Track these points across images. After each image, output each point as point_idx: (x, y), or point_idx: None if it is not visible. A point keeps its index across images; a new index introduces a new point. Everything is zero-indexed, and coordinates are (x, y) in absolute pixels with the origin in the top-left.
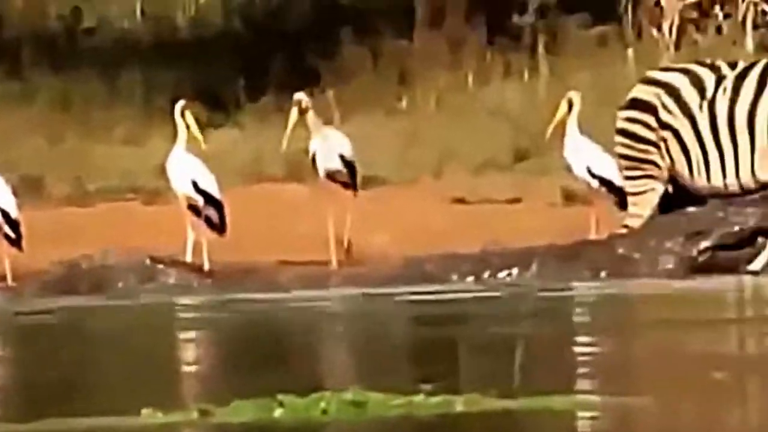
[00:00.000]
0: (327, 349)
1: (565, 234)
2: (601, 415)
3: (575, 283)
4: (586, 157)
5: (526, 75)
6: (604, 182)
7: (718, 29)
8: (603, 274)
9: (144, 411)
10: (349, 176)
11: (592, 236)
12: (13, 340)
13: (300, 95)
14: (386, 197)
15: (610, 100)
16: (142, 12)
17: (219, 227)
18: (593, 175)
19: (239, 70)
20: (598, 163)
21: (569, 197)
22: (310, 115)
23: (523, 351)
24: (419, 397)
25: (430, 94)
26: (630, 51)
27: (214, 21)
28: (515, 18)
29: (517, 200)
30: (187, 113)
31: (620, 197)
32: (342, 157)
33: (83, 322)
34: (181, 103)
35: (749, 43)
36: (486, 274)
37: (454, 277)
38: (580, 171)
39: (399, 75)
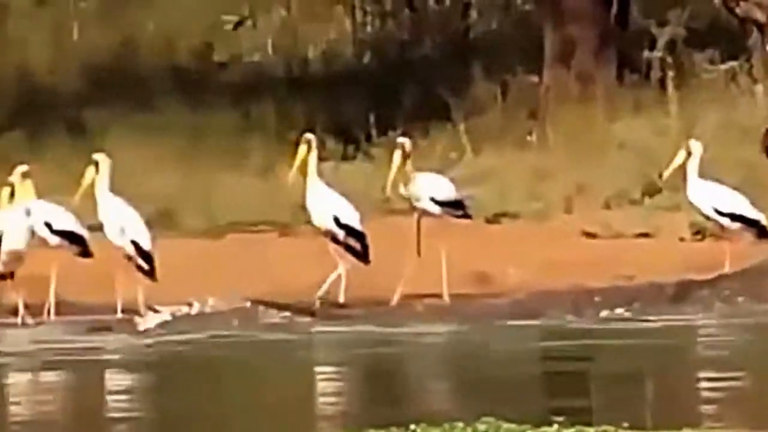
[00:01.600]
0: (460, 381)
1: (697, 269)
2: None
3: (698, 316)
4: (711, 197)
5: (655, 110)
6: (736, 218)
7: None
8: (734, 302)
9: None
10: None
11: (727, 270)
12: (146, 370)
13: (403, 139)
14: (518, 231)
15: (739, 135)
16: (274, 46)
17: (363, 256)
18: (722, 214)
19: (370, 104)
20: (725, 201)
21: (699, 232)
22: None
23: (654, 384)
24: (552, 428)
25: (559, 128)
26: (759, 87)
27: (345, 55)
28: (645, 53)
29: (647, 235)
30: (306, 146)
31: (758, 229)
32: (433, 199)
33: (219, 355)
34: (307, 135)
35: None
36: (615, 309)
37: (586, 311)
38: (708, 211)
39: (529, 110)
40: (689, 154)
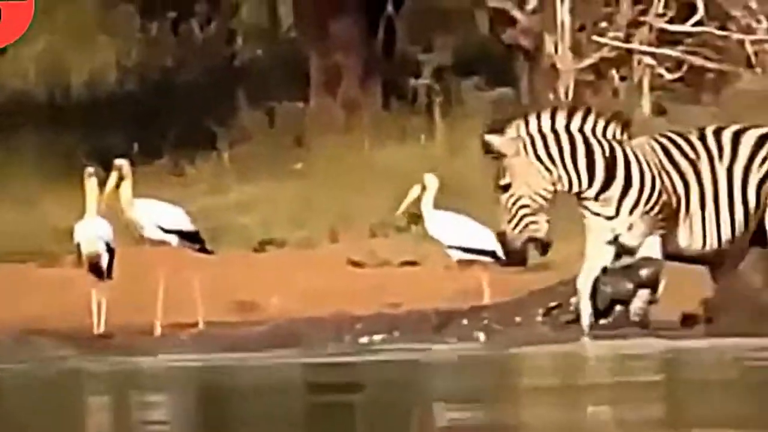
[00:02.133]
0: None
1: (461, 298)
2: None
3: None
4: (450, 229)
5: (422, 137)
6: (477, 252)
7: (615, 92)
8: (482, 337)
9: None
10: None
11: (486, 301)
12: None
13: (121, 161)
14: (283, 259)
15: None
16: (36, 73)
17: (107, 274)
18: (453, 247)
19: (135, 132)
20: (464, 233)
21: (464, 261)
22: (126, 184)
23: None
24: None
25: (325, 156)
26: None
27: (109, 82)
28: (411, 81)
29: (414, 263)
30: (92, 179)
31: (499, 260)
32: (161, 228)
33: None
34: (89, 169)
35: (645, 106)
36: (374, 335)
37: (346, 338)
38: (447, 243)
39: (295, 137)
40: (424, 188)
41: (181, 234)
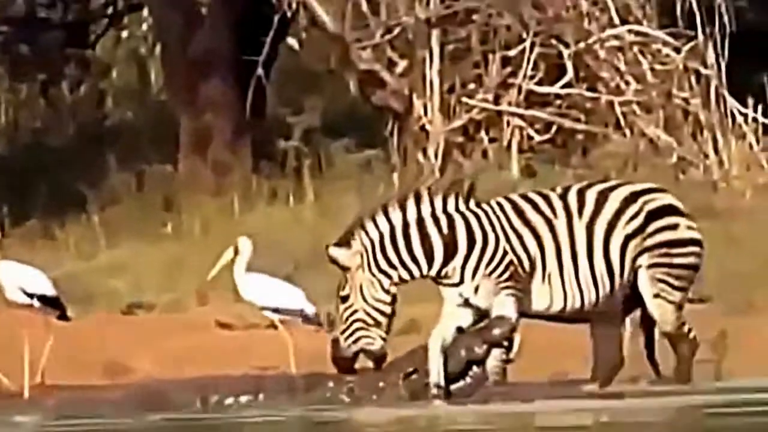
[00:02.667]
0: None
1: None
2: None
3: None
4: (261, 292)
5: (291, 200)
6: (287, 312)
7: (484, 153)
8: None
9: None
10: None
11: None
12: None
13: None
14: (152, 322)
15: None
16: None
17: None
18: (268, 308)
19: (4, 194)
20: (275, 295)
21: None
22: None
23: None
24: None
25: (194, 218)
26: (395, 175)
27: None
28: (281, 142)
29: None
30: None
31: (309, 319)
32: (23, 290)
33: None
34: None
35: (515, 167)
36: (240, 397)
37: (212, 400)
38: (258, 306)
39: (164, 200)
40: (236, 251)
41: (43, 298)
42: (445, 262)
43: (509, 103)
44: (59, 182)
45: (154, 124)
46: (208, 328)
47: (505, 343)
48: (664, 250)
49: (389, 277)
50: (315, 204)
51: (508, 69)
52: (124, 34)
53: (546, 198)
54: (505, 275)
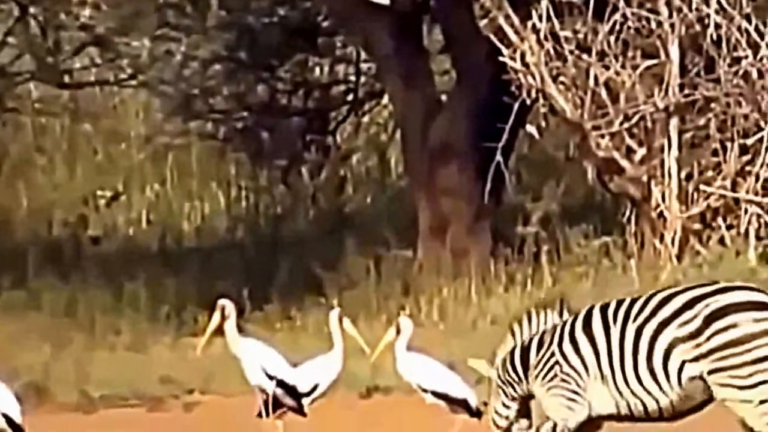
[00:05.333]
0: None
1: None
2: None
3: None
4: (419, 372)
5: (529, 285)
6: (439, 395)
7: (721, 240)
8: None
9: None
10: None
11: None
12: None
13: (224, 301)
14: (390, 405)
15: None
16: (148, 221)
17: (299, 410)
18: (425, 390)
19: (244, 279)
20: (432, 377)
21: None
22: (229, 324)
23: None
24: None
25: (432, 304)
26: (632, 261)
27: (219, 230)
28: (519, 228)
29: None
30: (220, 313)
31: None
32: (265, 371)
33: None
34: (221, 302)
35: (752, 255)
36: None
37: None
38: (415, 385)
39: (402, 285)
40: (398, 331)
41: (282, 384)
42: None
43: (747, 191)
44: (298, 266)
45: (393, 210)
46: (448, 412)
47: None
48: (722, 354)
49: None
50: (553, 290)
51: (746, 157)
52: (365, 120)
53: (620, 304)
54: (550, 375)
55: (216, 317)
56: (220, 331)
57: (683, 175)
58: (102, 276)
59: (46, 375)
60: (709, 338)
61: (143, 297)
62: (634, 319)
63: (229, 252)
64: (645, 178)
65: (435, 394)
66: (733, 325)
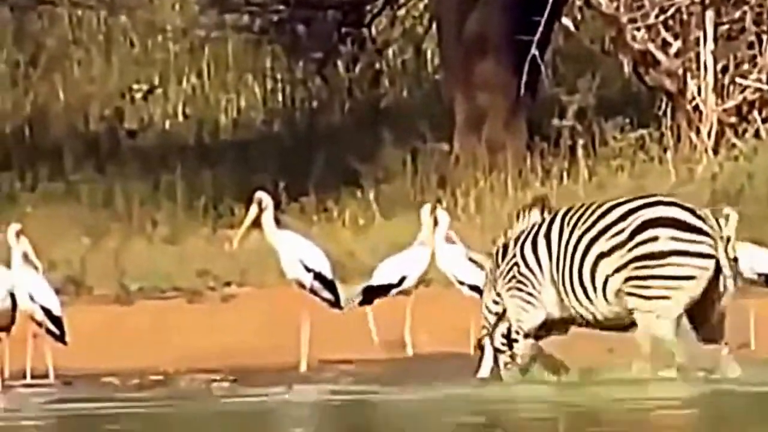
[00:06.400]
0: None
1: None
2: None
3: None
4: (457, 263)
5: (565, 178)
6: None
7: (757, 133)
8: None
9: None
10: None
11: None
12: None
13: (261, 193)
14: (429, 297)
15: None
16: (185, 114)
17: (336, 304)
18: (462, 283)
19: (280, 171)
20: (470, 269)
21: None
22: (266, 216)
23: None
24: None
25: (469, 197)
26: (668, 154)
27: (256, 122)
28: (554, 121)
29: None
30: (257, 205)
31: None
32: (303, 264)
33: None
34: (258, 194)
35: None
36: None
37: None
38: (453, 278)
39: (438, 177)
40: (436, 223)
41: (320, 277)
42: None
43: None
44: (334, 159)
45: (429, 103)
46: (477, 305)
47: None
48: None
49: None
50: (589, 183)
51: None
52: (401, 12)
53: (579, 211)
54: (509, 276)
55: (253, 209)
56: (256, 223)
57: (719, 68)
58: (139, 169)
59: (84, 268)
60: (630, 249)
61: (180, 189)
62: (580, 227)
63: (265, 144)
64: (681, 71)
65: (471, 287)
66: (653, 239)
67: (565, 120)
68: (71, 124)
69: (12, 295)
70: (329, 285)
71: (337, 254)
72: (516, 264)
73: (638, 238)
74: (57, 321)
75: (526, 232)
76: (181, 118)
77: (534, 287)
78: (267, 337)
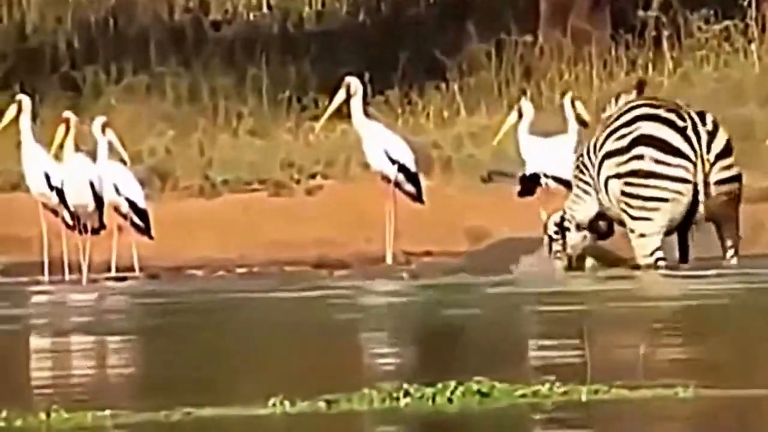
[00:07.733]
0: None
1: None
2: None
3: None
4: (541, 154)
5: (650, 69)
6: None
7: None
8: None
9: (271, 401)
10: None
11: None
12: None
13: (350, 78)
14: (511, 189)
15: (733, 93)
16: (269, 5)
17: (418, 197)
18: (547, 176)
19: (365, 63)
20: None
21: None
22: (355, 101)
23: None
24: (545, 388)
25: (554, 88)
26: (753, 45)
27: (340, 14)
28: (640, 13)
29: None
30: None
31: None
32: (388, 154)
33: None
34: (348, 79)
35: None
36: None
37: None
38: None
39: (523, 69)
40: (521, 115)
41: (404, 169)
42: None
43: None
44: (419, 51)
45: None
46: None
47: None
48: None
49: None
50: (673, 74)
51: None
52: None
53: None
54: (576, 163)
55: (341, 93)
56: (342, 114)
57: None
58: (223, 61)
59: (169, 159)
60: (627, 161)
61: (265, 82)
62: (611, 125)
63: (350, 36)
64: None
65: (556, 179)
66: (640, 156)
67: (650, 11)
68: (156, 15)
69: (96, 197)
70: (413, 178)
71: (421, 147)
72: (582, 154)
73: (632, 152)
74: (142, 214)
75: (603, 123)
76: (265, 8)
77: (592, 177)
78: (351, 229)
